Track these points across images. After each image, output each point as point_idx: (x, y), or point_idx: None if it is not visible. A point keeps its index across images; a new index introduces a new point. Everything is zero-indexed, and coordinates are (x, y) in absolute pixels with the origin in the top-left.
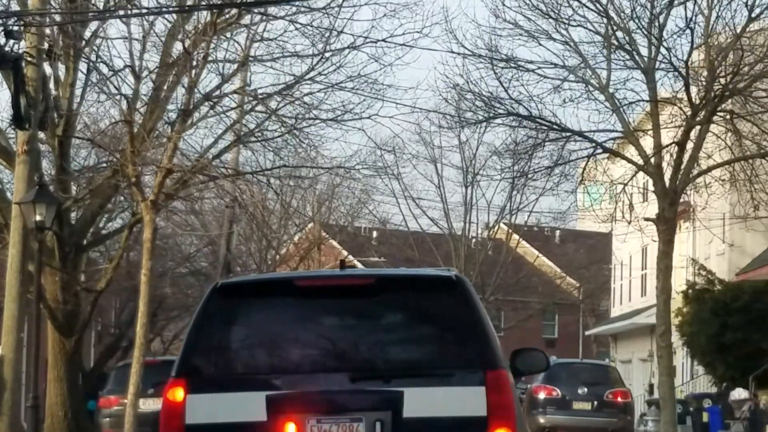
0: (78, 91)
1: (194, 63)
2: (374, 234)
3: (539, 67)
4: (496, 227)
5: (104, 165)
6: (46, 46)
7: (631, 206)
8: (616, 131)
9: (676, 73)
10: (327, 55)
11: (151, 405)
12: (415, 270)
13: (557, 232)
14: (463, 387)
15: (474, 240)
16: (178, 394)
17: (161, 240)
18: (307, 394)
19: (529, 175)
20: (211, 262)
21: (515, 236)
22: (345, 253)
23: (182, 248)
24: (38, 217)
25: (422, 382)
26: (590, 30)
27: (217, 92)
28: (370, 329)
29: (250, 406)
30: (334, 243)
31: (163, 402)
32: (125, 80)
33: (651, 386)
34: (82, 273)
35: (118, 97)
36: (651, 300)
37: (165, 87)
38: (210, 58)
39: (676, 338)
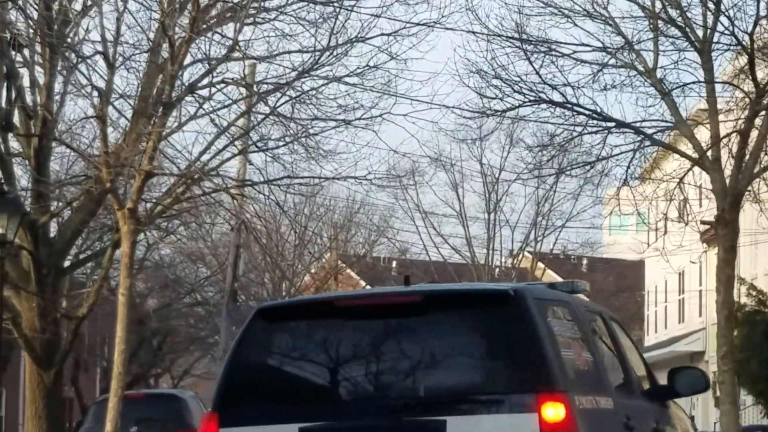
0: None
1: (174, 47)
2: (394, 264)
3: (574, 52)
4: (521, 255)
5: (83, 176)
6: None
7: (687, 204)
8: (666, 121)
9: (738, 49)
10: (333, 43)
11: None
12: (469, 284)
13: (584, 261)
14: (512, 414)
15: (498, 269)
16: (211, 429)
17: (168, 269)
18: (342, 427)
19: (566, 171)
20: (219, 291)
21: (541, 265)
22: (363, 283)
23: (191, 277)
24: None
25: (468, 409)
26: (633, 2)
27: (204, 82)
28: (415, 352)
29: None
30: (352, 273)
31: None
32: (96, 69)
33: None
34: (63, 298)
35: (88, 88)
36: (690, 326)
37: (156, 82)
38: (194, 48)
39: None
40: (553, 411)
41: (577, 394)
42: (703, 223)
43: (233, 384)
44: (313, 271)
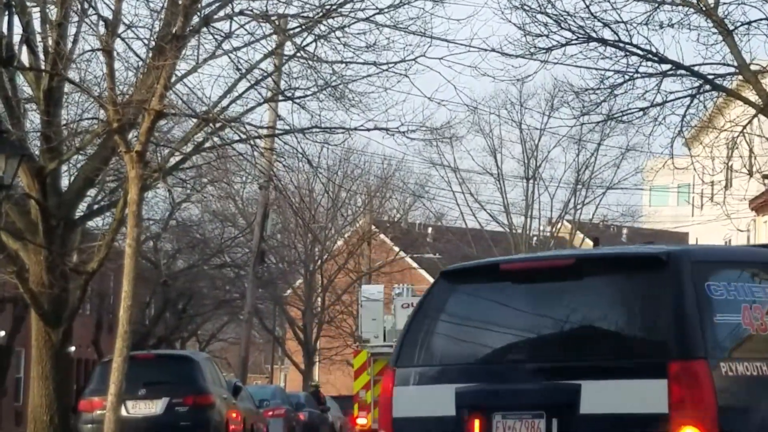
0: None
1: None
2: (429, 230)
3: None
4: (559, 224)
5: (93, 118)
6: None
7: (751, 154)
8: (728, 65)
9: None
10: None
11: (142, 409)
12: (625, 247)
13: (624, 231)
14: (642, 380)
15: (535, 238)
16: (389, 385)
17: (196, 228)
18: (492, 388)
19: (616, 117)
20: (247, 252)
21: (579, 234)
22: (396, 249)
23: (219, 238)
24: None
25: (603, 374)
26: None
27: (220, 14)
28: (563, 316)
29: (442, 400)
30: (386, 239)
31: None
32: None
33: None
34: (75, 252)
35: (94, 18)
36: None
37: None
38: None
39: None
40: (685, 378)
41: (730, 361)
42: (766, 177)
43: (410, 343)
44: (347, 235)
